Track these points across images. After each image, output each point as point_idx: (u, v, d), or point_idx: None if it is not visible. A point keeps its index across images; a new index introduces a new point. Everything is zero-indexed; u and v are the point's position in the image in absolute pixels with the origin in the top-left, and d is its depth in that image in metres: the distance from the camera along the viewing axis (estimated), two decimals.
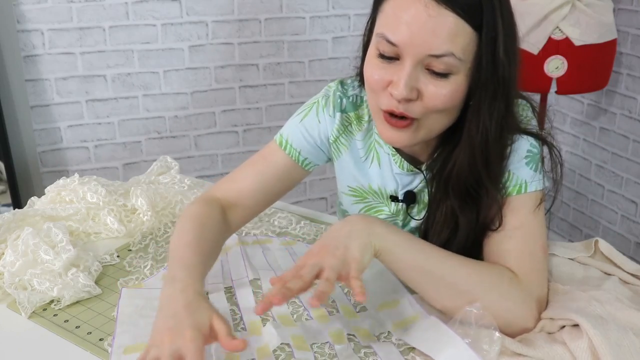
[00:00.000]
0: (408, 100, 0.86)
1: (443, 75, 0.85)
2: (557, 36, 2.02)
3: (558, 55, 2.04)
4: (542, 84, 2.10)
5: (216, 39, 2.40)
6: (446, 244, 0.96)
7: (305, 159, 1.08)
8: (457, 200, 0.93)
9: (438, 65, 0.84)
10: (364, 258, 0.84)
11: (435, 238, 0.97)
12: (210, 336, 0.78)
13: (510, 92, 0.89)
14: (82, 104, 2.32)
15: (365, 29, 0.95)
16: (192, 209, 1.01)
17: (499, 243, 0.92)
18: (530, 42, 2.03)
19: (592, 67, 2.09)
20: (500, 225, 0.92)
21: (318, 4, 2.47)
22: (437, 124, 0.90)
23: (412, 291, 0.97)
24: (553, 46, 2.03)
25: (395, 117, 0.89)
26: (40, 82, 2.25)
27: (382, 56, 0.87)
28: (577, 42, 2.01)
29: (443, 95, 0.85)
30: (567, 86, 2.11)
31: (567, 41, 2.02)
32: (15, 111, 2.21)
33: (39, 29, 2.19)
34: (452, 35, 0.82)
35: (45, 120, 2.29)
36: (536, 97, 2.31)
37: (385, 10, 0.87)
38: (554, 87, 2.11)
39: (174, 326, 0.77)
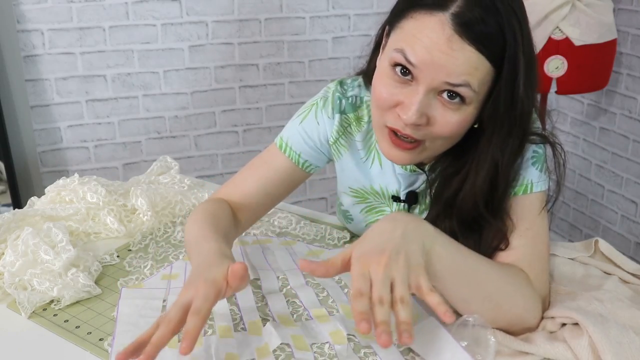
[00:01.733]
0: (416, 125, 0.85)
1: (455, 104, 0.83)
2: (557, 36, 2.02)
3: (558, 55, 2.04)
4: (542, 84, 2.10)
5: (216, 39, 2.40)
6: None
7: (306, 161, 1.08)
8: (458, 225, 0.92)
9: (453, 94, 0.82)
10: (426, 263, 0.77)
11: None
12: (227, 288, 0.79)
13: (526, 127, 0.87)
14: (82, 104, 2.33)
15: (380, 29, 0.94)
16: (202, 206, 1.02)
17: (509, 243, 0.92)
18: None
19: (592, 67, 2.09)
20: (506, 246, 0.92)
21: (318, 4, 2.47)
22: (441, 148, 0.90)
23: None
24: (553, 46, 2.04)
25: (400, 139, 0.88)
26: (40, 82, 2.25)
27: (396, 72, 0.84)
28: (577, 42, 2.01)
29: (452, 124, 0.84)
30: (567, 86, 2.11)
31: (567, 41, 2.02)
32: (15, 111, 2.21)
33: (39, 29, 2.19)
34: (472, 68, 0.80)
35: (45, 120, 2.29)
36: (536, 97, 2.32)
37: (407, 29, 0.83)
38: (554, 87, 2.11)
39: (190, 281, 0.79)
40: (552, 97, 2.73)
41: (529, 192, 0.92)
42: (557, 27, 2.01)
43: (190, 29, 2.36)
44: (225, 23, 2.39)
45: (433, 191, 0.97)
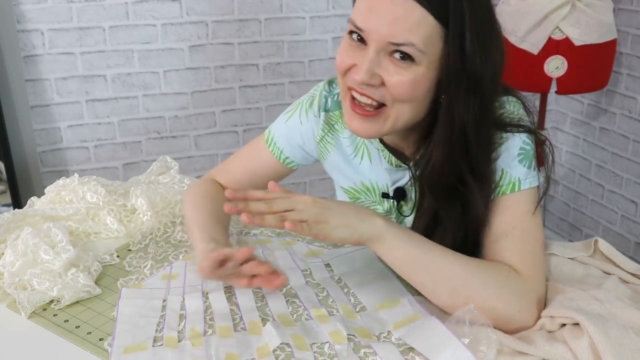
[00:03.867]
0: (370, 85, 0.87)
1: (404, 63, 0.85)
2: (557, 36, 2.02)
3: (558, 55, 2.04)
4: (542, 84, 2.10)
5: (216, 39, 2.40)
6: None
7: (287, 157, 1.13)
8: (437, 199, 0.93)
9: (399, 53, 0.85)
10: (339, 237, 0.86)
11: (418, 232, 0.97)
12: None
13: (484, 87, 0.88)
14: (82, 104, 2.33)
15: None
16: (200, 186, 1.15)
17: (496, 242, 0.92)
18: (530, 42, 2.03)
19: (592, 67, 2.09)
20: (490, 226, 0.92)
21: (318, 4, 2.47)
22: (403, 116, 0.90)
23: (412, 291, 0.97)
24: (553, 46, 2.04)
25: (360, 107, 0.90)
26: (40, 82, 2.25)
27: (350, 40, 0.89)
28: (577, 42, 2.01)
29: (404, 83, 0.86)
30: (567, 86, 2.11)
31: (567, 41, 2.02)
32: (15, 111, 2.21)
33: (39, 29, 2.19)
34: (414, 26, 0.83)
35: (45, 120, 2.29)
36: (536, 97, 2.32)
37: None
38: (554, 87, 2.11)
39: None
40: (552, 97, 2.73)
41: (516, 190, 0.92)
42: (557, 27, 2.01)
43: (190, 29, 2.36)
44: (225, 23, 2.39)
45: (421, 179, 0.97)
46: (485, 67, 0.86)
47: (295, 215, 0.83)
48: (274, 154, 1.13)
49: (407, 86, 0.86)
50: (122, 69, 2.32)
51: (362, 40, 0.88)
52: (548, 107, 2.62)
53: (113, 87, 2.34)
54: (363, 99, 0.89)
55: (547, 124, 2.73)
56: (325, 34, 2.53)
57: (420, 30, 0.83)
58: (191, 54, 2.38)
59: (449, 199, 0.92)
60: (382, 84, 0.87)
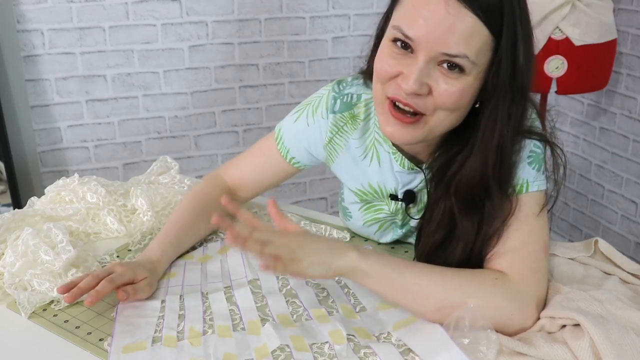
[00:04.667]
0: (416, 95, 0.86)
1: (455, 74, 0.84)
2: (557, 36, 2.02)
3: (558, 55, 2.04)
4: (542, 84, 2.10)
5: (216, 39, 2.40)
6: (439, 248, 0.95)
7: (293, 157, 1.13)
8: (460, 204, 0.92)
9: (451, 64, 0.83)
10: (314, 274, 0.87)
11: (429, 239, 0.96)
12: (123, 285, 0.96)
13: (527, 98, 0.88)
14: (82, 104, 2.32)
15: (381, 20, 0.94)
16: (202, 188, 1.18)
17: (501, 242, 0.92)
18: None
19: (592, 67, 2.09)
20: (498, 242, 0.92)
21: (318, 4, 2.47)
22: (443, 124, 0.89)
23: None
24: (553, 46, 2.03)
25: (401, 112, 0.88)
26: (40, 82, 2.25)
27: (395, 47, 0.86)
28: (577, 42, 2.01)
29: (453, 93, 0.85)
30: (567, 86, 2.10)
31: (567, 41, 2.02)
32: (15, 111, 2.20)
33: (39, 29, 2.19)
34: (468, 37, 0.81)
35: (45, 120, 2.29)
36: (536, 97, 2.32)
37: (404, 3, 0.85)
38: (554, 87, 2.10)
39: (128, 262, 1.02)
40: (552, 97, 2.73)
41: (524, 191, 0.92)
42: (557, 27, 2.01)
43: (190, 29, 2.36)
44: (225, 23, 2.39)
45: (434, 175, 0.97)
46: (530, 78, 0.86)
47: (270, 250, 0.84)
48: (281, 153, 1.13)
49: (456, 96, 0.85)
50: (122, 69, 2.32)
51: (406, 46, 0.85)
52: (548, 107, 2.62)
53: (113, 87, 2.34)
54: (406, 108, 0.88)
55: (548, 124, 2.73)
56: (325, 34, 2.53)
57: (474, 41, 0.82)
58: (191, 54, 2.38)
59: (470, 208, 0.92)
60: (429, 93, 0.86)
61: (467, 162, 0.90)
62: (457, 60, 0.82)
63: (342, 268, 0.88)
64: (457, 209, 0.92)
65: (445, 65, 0.84)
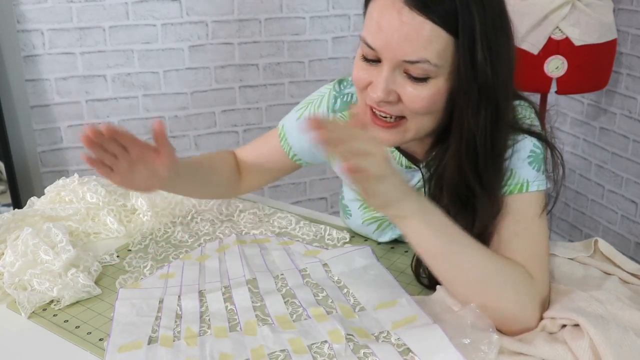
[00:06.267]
0: (386, 102, 0.87)
1: (420, 79, 0.85)
2: (557, 36, 2.02)
3: (558, 55, 2.04)
4: (542, 84, 2.10)
5: (216, 39, 2.40)
6: None
7: (295, 154, 1.14)
8: (451, 203, 0.92)
9: (415, 70, 0.84)
10: (377, 202, 0.82)
11: None
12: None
13: (497, 97, 0.87)
14: (82, 104, 2.32)
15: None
16: (222, 151, 1.21)
17: (508, 242, 0.91)
18: (530, 42, 2.02)
19: (592, 67, 2.09)
20: (501, 225, 0.91)
21: (318, 4, 2.47)
22: (425, 126, 0.90)
23: (410, 291, 0.97)
24: (553, 46, 2.03)
25: (380, 119, 0.90)
26: (40, 82, 2.25)
27: (365, 58, 0.88)
28: (577, 42, 2.01)
29: (422, 98, 0.85)
30: (567, 86, 2.10)
31: (567, 41, 2.02)
32: (15, 111, 2.20)
33: (39, 29, 2.19)
34: (426, 42, 0.82)
35: (45, 120, 2.29)
36: (536, 97, 2.32)
37: (369, 13, 0.87)
38: (554, 87, 2.10)
39: None
40: (552, 97, 2.73)
41: (524, 191, 0.92)
42: (557, 27, 2.01)
43: (190, 29, 2.36)
44: (225, 23, 2.39)
45: (431, 174, 0.96)
46: (497, 75, 0.85)
47: (362, 161, 0.77)
48: (284, 149, 1.15)
49: (425, 101, 0.86)
50: (122, 69, 2.32)
51: (374, 56, 0.87)
52: (548, 107, 2.62)
53: (113, 87, 2.34)
54: (382, 114, 0.89)
55: (547, 124, 2.73)
56: (325, 34, 2.52)
57: (433, 45, 0.82)
58: (191, 54, 2.38)
59: (461, 207, 0.91)
60: (400, 99, 0.87)
61: (448, 163, 0.91)
62: (419, 65, 0.83)
63: (398, 212, 0.83)
64: (450, 208, 0.92)
65: (410, 71, 0.85)
